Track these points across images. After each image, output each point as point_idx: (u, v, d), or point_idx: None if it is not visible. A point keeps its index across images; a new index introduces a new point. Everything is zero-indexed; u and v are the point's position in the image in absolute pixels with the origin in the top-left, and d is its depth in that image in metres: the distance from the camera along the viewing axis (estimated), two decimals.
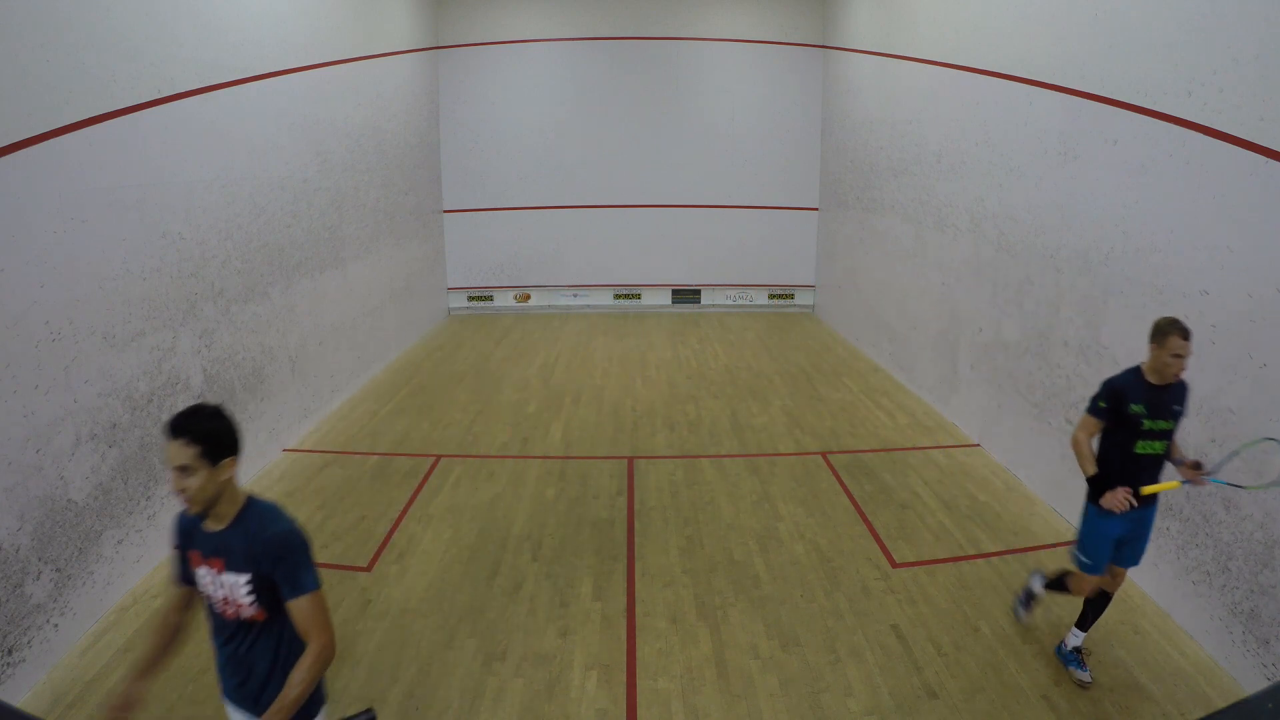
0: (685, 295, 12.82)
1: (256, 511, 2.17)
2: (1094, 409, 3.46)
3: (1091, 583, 3.62)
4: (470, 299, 12.69)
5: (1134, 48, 4.50)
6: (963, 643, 3.94)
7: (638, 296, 12.82)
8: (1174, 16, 4.16)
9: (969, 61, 6.73)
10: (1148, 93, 4.37)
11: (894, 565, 4.70)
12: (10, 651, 3.56)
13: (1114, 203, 4.71)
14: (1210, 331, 3.88)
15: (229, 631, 2.21)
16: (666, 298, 12.82)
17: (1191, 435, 3.99)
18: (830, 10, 11.43)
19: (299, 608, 2.11)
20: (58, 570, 3.89)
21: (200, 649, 3.90)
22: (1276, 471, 3.30)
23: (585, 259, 12.59)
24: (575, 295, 12.76)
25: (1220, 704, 3.45)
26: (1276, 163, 3.46)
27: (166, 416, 4.77)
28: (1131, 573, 4.44)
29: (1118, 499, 3.30)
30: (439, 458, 6.46)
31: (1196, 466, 3.34)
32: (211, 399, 5.44)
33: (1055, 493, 5.38)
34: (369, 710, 2.38)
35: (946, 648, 3.90)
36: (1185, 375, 3.30)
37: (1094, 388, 4.83)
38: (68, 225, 4.05)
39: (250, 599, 2.12)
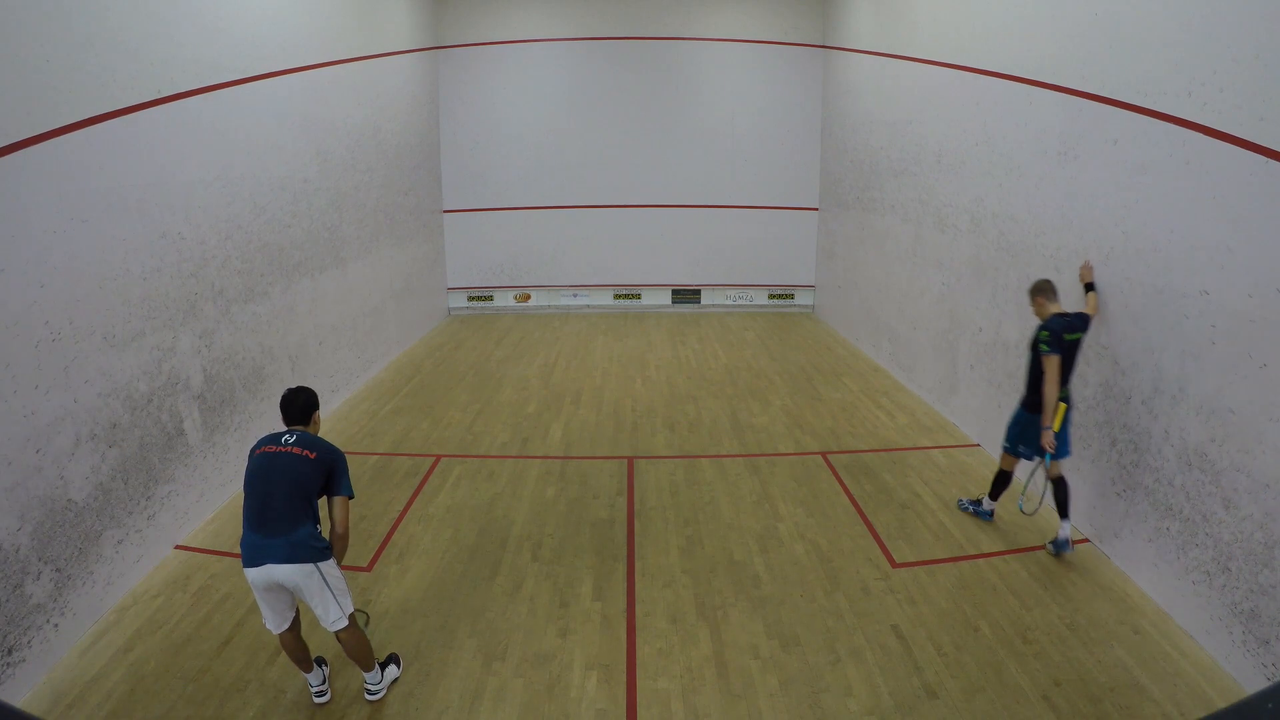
0: (685, 295, 12.82)
1: None
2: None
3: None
4: (470, 299, 12.69)
5: (1134, 48, 4.50)
6: (963, 643, 3.93)
7: (638, 296, 12.82)
8: (1174, 16, 4.16)
9: (969, 61, 6.73)
10: (1148, 93, 4.37)
11: (894, 565, 4.70)
12: (10, 651, 3.56)
13: (1114, 203, 4.71)
14: (1210, 331, 3.88)
15: None
16: (666, 298, 12.82)
17: (1191, 436, 4.00)
18: (830, 10, 11.43)
19: None
20: (58, 570, 3.89)
21: (199, 649, 3.91)
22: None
23: (585, 259, 12.60)
24: (575, 295, 12.77)
25: (1220, 704, 3.45)
26: (1276, 163, 3.46)
27: (166, 417, 4.83)
28: (1132, 573, 4.48)
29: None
30: (439, 458, 6.46)
31: None
32: (211, 399, 5.44)
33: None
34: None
35: (946, 648, 3.90)
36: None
37: (1093, 388, 4.87)
38: (68, 225, 4.06)
39: None
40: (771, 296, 12.82)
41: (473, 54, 11.83)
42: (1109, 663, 3.76)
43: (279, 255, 6.57)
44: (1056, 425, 4.51)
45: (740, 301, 12.83)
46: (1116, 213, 4.69)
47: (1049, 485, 4.74)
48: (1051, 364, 4.44)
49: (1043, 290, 4.71)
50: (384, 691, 3.59)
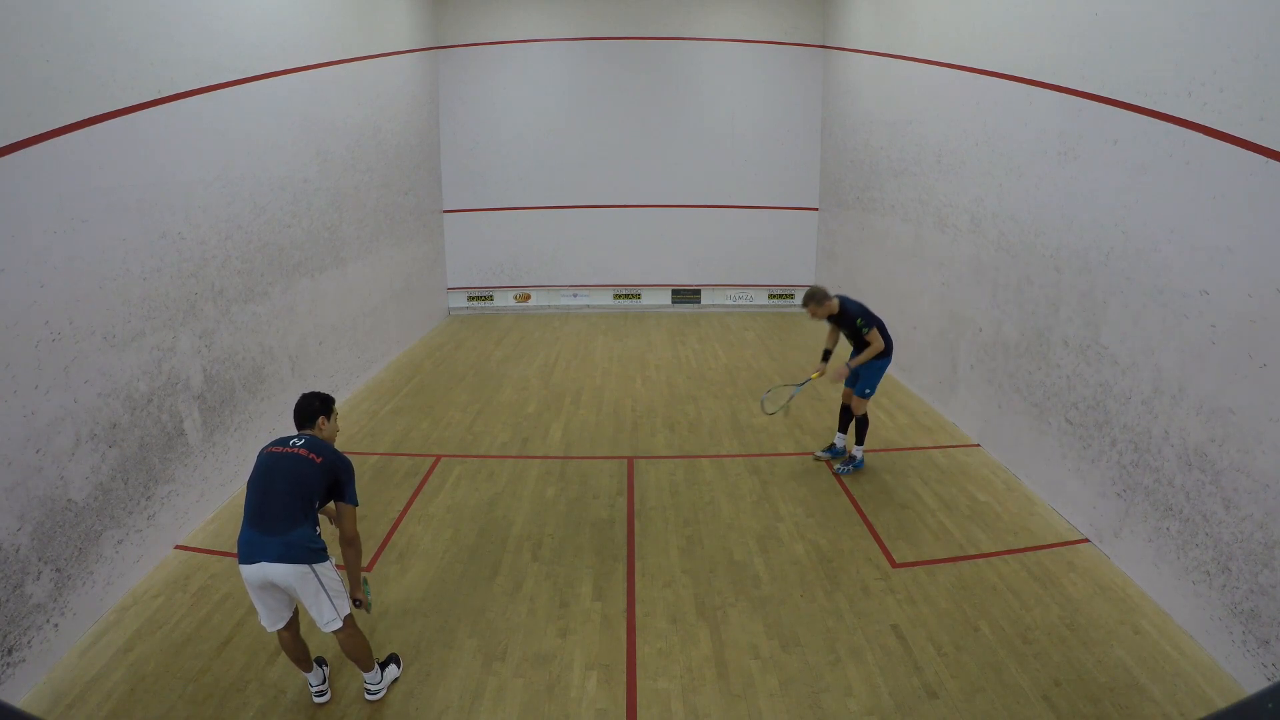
0: (685, 295, 12.82)
1: None
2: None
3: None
4: (470, 299, 12.69)
5: (1134, 48, 4.50)
6: (963, 643, 3.94)
7: (638, 296, 12.82)
8: (1174, 16, 4.16)
9: (969, 61, 6.73)
10: (1148, 93, 4.37)
11: (894, 565, 4.70)
12: (10, 651, 3.56)
13: (1114, 203, 4.71)
14: (1210, 331, 3.88)
15: None
16: (666, 298, 12.82)
17: (1191, 435, 4.00)
18: (830, 10, 11.43)
19: None
20: (58, 570, 3.89)
21: (199, 649, 3.91)
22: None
23: (585, 259, 12.59)
24: (575, 295, 12.77)
25: (1220, 704, 3.45)
26: (1276, 163, 3.46)
27: (167, 417, 4.83)
28: (1132, 573, 4.51)
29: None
30: (439, 458, 6.46)
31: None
32: (211, 399, 5.44)
33: (1055, 493, 5.39)
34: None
35: (946, 648, 3.90)
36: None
37: (1093, 388, 4.87)
38: (68, 225, 4.06)
39: None
40: (771, 296, 12.82)
41: (473, 54, 11.83)
42: (1109, 663, 3.76)
43: (279, 255, 6.57)
44: (863, 359, 5.87)
45: (740, 301, 12.83)
46: (1116, 213, 4.69)
47: (792, 397, 6.71)
48: (875, 336, 5.77)
49: (827, 294, 5.83)
50: (384, 691, 3.59)
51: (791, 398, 6.58)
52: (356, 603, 3.50)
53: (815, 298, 5.80)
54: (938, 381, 7.59)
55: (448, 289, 12.53)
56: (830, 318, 5.94)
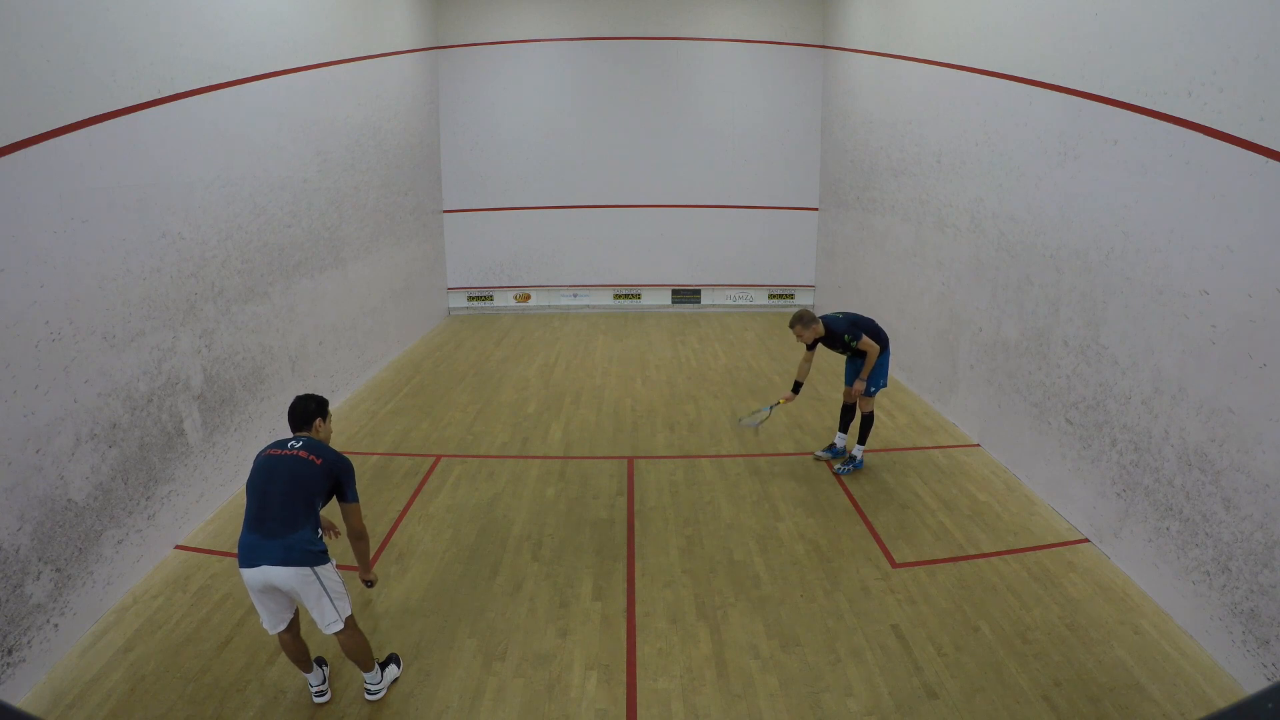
0: (685, 295, 12.82)
1: None
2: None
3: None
4: (470, 299, 12.69)
5: (1134, 48, 4.50)
6: (963, 643, 3.93)
7: (638, 296, 12.82)
8: (1174, 16, 4.16)
9: (969, 61, 6.73)
10: (1148, 93, 4.37)
11: (894, 565, 4.70)
12: (10, 651, 3.56)
13: (1114, 203, 4.71)
14: (1210, 331, 3.88)
15: None
16: (666, 298, 12.82)
17: (1191, 435, 4.00)
18: (830, 10, 11.43)
19: None
20: (58, 570, 3.89)
21: (199, 649, 3.91)
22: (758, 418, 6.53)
23: (585, 259, 12.60)
24: (575, 295, 12.77)
25: (1220, 704, 3.45)
26: (1276, 163, 3.46)
27: (166, 417, 4.83)
28: (1132, 573, 4.51)
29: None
30: (439, 458, 6.46)
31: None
32: (211, 399, 5.44)
33: (1055, 493, 5.39)
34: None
35: (946, 648, 3.90)
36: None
37: (1093, 388, 4.87)
38: (68, 225, 4.06)
39: None
40: (771, 296, 12.82)
41: (473, 54, 11.83)
42: (1109, 663, 3.76)
43: (279, 255, 6.57)
44: (869, 369, 5.92)
45: (740, 301, 12.83)
46: (1116, 213, 4.69)
47: (768, 414, 6.52)
48: (868, 342, 5.80)
49: (815, 317, 5.83)
50: (384, 691, 3.59)
51: (761, 421, 6.55)
52: (369, 583, 3.68)
53: (803, 320, 5.78)
54: (938, 381, 7.59)
55: (448, 289, 12.54)
56: (817, 340, 5.89)
